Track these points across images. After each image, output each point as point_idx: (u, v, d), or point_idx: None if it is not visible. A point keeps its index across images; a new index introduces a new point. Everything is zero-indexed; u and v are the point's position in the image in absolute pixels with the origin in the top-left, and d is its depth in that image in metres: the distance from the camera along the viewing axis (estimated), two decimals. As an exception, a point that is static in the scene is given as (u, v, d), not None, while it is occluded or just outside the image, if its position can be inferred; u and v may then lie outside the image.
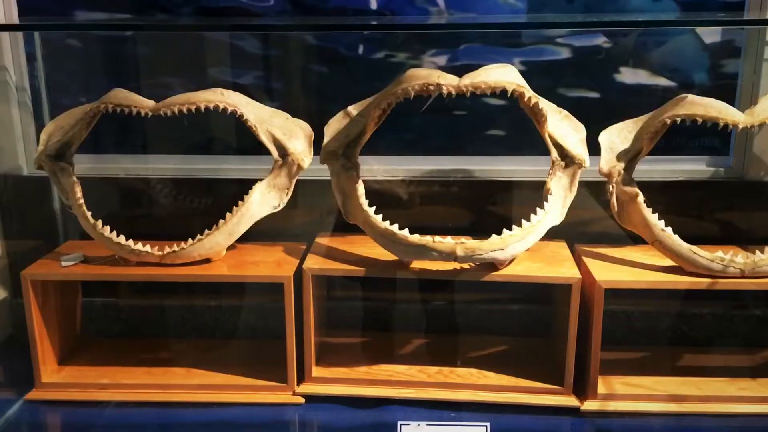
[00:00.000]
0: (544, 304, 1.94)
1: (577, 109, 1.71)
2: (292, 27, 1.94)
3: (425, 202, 1.98)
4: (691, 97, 1.60)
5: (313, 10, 1.91)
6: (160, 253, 1.69)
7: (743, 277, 1.59)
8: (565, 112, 1.68)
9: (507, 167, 1.95)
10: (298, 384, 1.72)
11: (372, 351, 1.88)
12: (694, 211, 1.92)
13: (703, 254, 1.59)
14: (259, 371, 1.77)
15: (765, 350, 1.91)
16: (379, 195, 1.94)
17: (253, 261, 1.75)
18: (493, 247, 1.57)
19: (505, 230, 1.59)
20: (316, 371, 1.74)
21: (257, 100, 1.75)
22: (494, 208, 1.96)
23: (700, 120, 1.57)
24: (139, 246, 1.70)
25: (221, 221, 1.70)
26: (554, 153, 1.65)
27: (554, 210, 1.65)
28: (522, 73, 1.54)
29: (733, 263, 1.59)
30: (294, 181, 1.73)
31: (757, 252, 1.60)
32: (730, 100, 1.88)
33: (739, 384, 1.71)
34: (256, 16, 1.91)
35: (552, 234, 1.70)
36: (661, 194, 1.87)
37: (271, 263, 1.73)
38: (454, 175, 1.96)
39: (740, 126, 1.56)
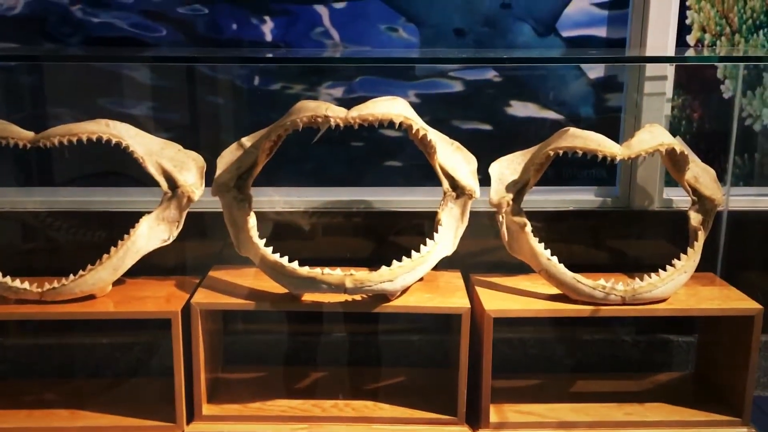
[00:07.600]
0: (444, 334, 1.96)
1: (470, 140, 1.74)
2: (188, 59, 1.92)
3: (325, 234, 1.97)
4: (572, 130, 1.65)
5: (208, 41, 1.89)
6: (39, 290, 1.62)
7: (624, 304, 1.64)
8: (457, 144, 1.72)
9: (405, 198, 1.97)
10: (187, 423, 1.67)
11: (267, 386, 1.84)
12: (584, 239, 1.98)
13: (585, 282, 1.64)
14: (148, 411, 1.70)
15: (651, 375, 1.97)
16: (279, 226, 1.93)
17: (141, 296, 1.69)
18: (382, 278, 1.57)
19: (394, 261, 1.59)
20: (207, 409, 1.69)
21: (150, 132, 1.71)
22: (394, 238, 1.97)
23: (580, 152, 1.63)
24: (17, 283, 1.62)
25: (105, 256, 1.64)
26: (445, 184, 1.67)
27: (445, 240, 1.66)
28: (417, 105, 1.54)
29: (614, 291, 1.64)
30: (184, 213, 1.69)
31: (637, 279, 1.66)
32: (615, 133, 1.97)
33: (626, 409, 1.76)
34: (149, 46, 1.89)
35: (448, 264, 1.72)
36: (551, 224, 1.92)
37: (160, 298, 1.68)
38: (356, 206, 1.97)
39: (618, 158, 1.62)
